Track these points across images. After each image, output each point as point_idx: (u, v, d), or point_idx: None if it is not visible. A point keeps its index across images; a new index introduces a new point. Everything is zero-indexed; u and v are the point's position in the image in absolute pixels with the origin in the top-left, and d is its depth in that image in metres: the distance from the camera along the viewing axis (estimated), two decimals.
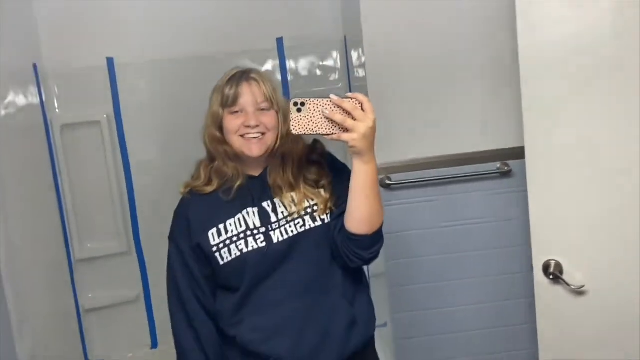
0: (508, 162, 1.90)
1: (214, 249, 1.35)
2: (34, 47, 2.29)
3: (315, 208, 1.36)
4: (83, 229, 2.38)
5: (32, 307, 1.85)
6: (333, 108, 1.16)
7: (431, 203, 1.92)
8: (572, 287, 1.45)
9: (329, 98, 1.16)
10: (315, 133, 1.18)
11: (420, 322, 1.98)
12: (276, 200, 1.37)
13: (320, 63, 2.46)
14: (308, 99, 1.17)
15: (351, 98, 1.16)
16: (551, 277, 1.47)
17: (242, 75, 1.37)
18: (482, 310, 1.98)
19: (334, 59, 2.46)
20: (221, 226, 1.35)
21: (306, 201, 1.36)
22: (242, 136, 1.33)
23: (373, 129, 1.16)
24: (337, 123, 1.16)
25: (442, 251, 1.95)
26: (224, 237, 1.35)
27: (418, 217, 1.93)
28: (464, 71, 1.90)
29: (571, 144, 1.44)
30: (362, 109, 1.16)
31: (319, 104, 1.17)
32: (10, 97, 1.97)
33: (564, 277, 1.46)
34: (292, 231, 1.34)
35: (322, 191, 1.37)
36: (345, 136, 1.16)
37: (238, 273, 1.34)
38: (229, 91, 1.35)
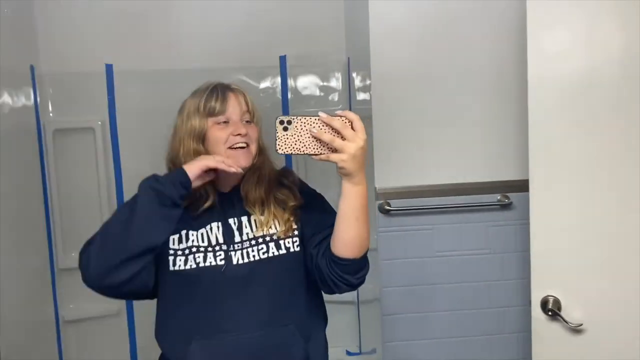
0: (509, 194, 1.88)
1: (171, 251, 1.28)
2: (32, 49, 2.25)
3: (282, 235, 1.31)
4: (68, 237, 2.31)
5: (9, 314, 1.79)
6: (321, 126, 1.11)
7: (430, 231, 1.89)
8: (570, 324, 1.42)
9: (318, 116, 1.11)
10: (302, 153, 1.12)
11: (412, 351, 1.93)
12: (243, 219, 1.32)
13: (322, 83, 2.45)
14: (295, 117, 1.11)
15: (341, 116, 1.11)
16: (549, 313, 1.44)
17: (225, 87, 1.36)
18: (477, 343, 1.95)
19: (336, 80, 2.44)
20: (183, 233, 1.30)
21: (273, 225, 1.32)
22: (229, 148, 1.31)
23: (364, 149, 1.11)
24: (325, 143, 1.11)
25: (438, 281, 1.92)
26: (184, 244, 1.29)
27: (416, 244, 1.89)
28: (469, 102, 1.89)
29: (576, 179, 1.43)
30: (352, 128, 1.11)
31: (307, 122, 1.11)
32: (5, 98, 1.92)
33: (562, 314, 1.44)
34: (254, 256, 1.28)
35: (287, 213, 1.33)
36: (334, 157, 1.10)
37: (189, 287, 1.27)
38: (214, 102, 1.32)
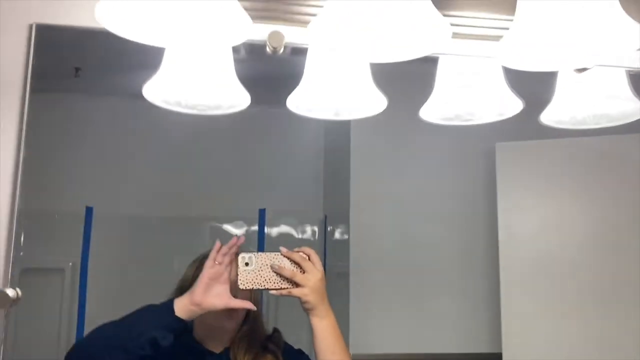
0: None
1: None
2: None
3: None
4: None
5: None
6: (282, 262, 1.18)
7: None
8: None
9: (279, 252, 1.19)
10: (264, 288, 1.18)
11: None
12: None
13: (298, 236, 2.48)
14: (257, 253, 1.19)
15: (299, 251, 1.20)
16: None
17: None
18: None
19: (312, 234, 2.48)
20: None
21: None
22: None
23: (322, 281, 1.17)
24: (286, 278, 1.16)
25: None
26: None
27: None
28: (443, 273, 1.94)
29: (547, 354, 1.44)
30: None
31: (268, 258, 1.18)
32: None
33: None
34: None
35: None
36: (296, 291, 1.16)
37: None
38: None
